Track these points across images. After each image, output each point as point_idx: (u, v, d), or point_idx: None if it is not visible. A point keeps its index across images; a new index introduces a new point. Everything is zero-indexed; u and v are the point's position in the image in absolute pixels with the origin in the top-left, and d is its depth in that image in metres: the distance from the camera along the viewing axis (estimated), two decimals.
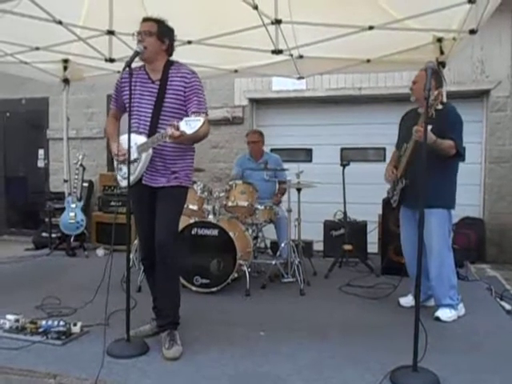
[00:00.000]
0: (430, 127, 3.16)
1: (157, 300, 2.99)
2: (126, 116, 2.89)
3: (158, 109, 2.79)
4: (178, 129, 2.48)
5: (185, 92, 2.79)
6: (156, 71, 2.84)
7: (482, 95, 6.12)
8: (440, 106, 3.01)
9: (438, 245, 3.42)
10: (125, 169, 2.80)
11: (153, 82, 2.84)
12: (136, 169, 2.83)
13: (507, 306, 3.82)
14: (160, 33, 2.81)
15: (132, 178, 2.81)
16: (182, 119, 2.52)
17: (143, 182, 2.87)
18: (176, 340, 2.77)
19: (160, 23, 2.82)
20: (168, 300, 2.88)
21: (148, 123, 2.81)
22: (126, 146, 2.74)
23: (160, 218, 2.84)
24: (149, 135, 2.79)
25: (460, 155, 3.36)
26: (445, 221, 3.45)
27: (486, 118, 6.08)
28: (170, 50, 2.90)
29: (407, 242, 3.60)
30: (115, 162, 3.00)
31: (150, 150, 2.78)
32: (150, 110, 2.81)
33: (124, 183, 2.89)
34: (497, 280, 4.84)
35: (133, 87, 2.80)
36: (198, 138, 2.74)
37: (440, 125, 3.18)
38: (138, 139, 2.78)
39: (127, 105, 2.80)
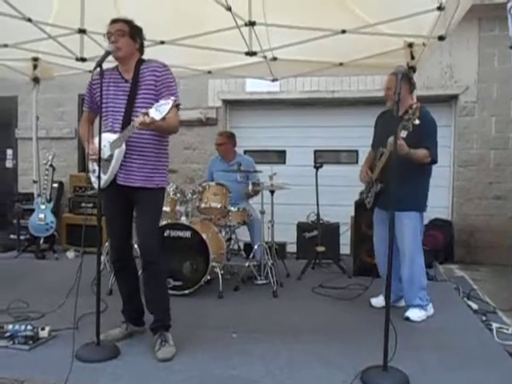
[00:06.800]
0: (405, 133, 3.23)
1: (147, 304, 2.97)
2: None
3: (131, 106, 2.79)
4: (148, 115, 2.51)
5: (156, 86, 2.79)
6: (129, 71, 2.85)
7: (450, 100, 6.27)
8: (417, 122, 3.04)
9: (410, 247, 3.48)
10: (97, 169, 2.75)
11: (126, 81, 2.84)
12: (109, 167, 2.77)
13: (474, 306, 3.91)
14: (132, 32, 2.83)
15: (106, 177, 2.79)
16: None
17: (118, 182, 2.80)
18: (168, 341, 2.79)
19: (130, 23, 2.84)
20: (156, 303, 2.92)
21: (121, 121, 2.79)
22: (98, 145, 2.71)
23: (142, 222, 2.87)
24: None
25: (435, 162, 3.44)
26: (417, 223, 3.52)
27: (455, 122, 6.23)
28: (141, 49, 2.93)
29: (380, 244, 3.63)
30: (90, 164, 2.96)
31: (123, 146, 2.74)
32: (123, 109, 2.80)
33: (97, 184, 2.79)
34: (464, 280, 4.95)
35: (106, 88, 2.82)
36: (169, 127, 2.77)
37: (415, 131, 3.23)
38: (112, 137, 2.77)
39: (100, 106, 2.81)
